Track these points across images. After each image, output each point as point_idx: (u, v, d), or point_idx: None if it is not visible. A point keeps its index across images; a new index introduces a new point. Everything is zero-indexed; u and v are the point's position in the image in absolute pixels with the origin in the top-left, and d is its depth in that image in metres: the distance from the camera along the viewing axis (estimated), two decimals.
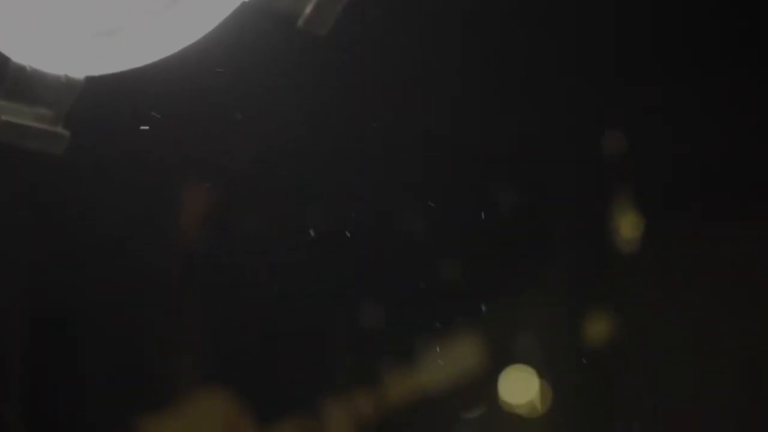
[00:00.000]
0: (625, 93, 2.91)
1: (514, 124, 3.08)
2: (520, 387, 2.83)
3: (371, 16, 2.50)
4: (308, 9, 1.10)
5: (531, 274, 3.02)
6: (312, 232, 2.99)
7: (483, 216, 2.90)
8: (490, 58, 2.94)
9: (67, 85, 1.10)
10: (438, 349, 2.81)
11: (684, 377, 2.77)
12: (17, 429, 2.84)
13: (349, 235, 2.99)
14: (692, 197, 2.84)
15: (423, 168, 2.95)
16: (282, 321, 2.96)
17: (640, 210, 2.83)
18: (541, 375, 2.83)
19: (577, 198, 3.08)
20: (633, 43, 2.85)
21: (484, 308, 2.87)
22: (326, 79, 2.67)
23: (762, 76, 2.79)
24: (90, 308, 2.89)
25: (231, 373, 2.88)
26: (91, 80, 1.12)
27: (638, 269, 2.83)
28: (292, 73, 2.63)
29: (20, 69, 1.09)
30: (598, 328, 2.84)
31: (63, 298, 2.92)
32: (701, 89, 2.82)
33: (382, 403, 2.82)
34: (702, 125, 2.85)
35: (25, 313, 2.90)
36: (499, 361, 2.84)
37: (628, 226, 2.81)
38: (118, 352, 2.89)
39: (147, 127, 2.47)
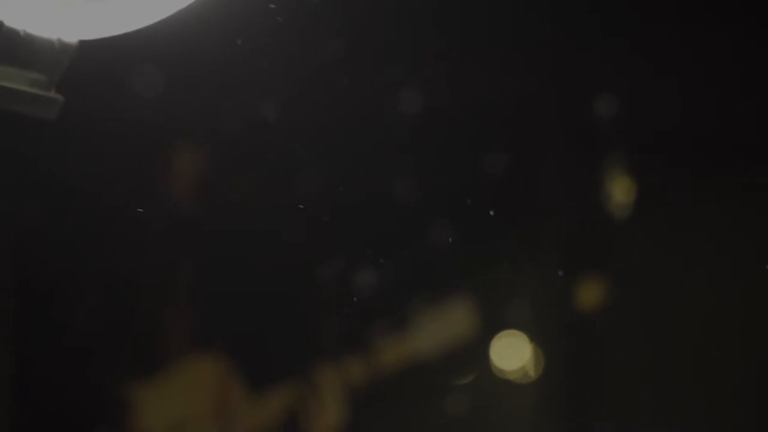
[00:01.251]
0: (613, 53, 2.90)
1: (503, 87, 3.09)
2: (511, 353, 2.83)
3: None
4: None
5: (522, 238, 3.02)
6: (303, 198, 2.99)
7: (472, 181, 2.91)
8: (478, 20, 2.93)
9: (60, 49, 1.09)
10: (429, 316, 2.81)
11: (675, 341, 2.77)
12: (6, 396, 2.84)
13: (339, 201, 2.99)
14: (683, 159, 2.84)
15: (412, 133, 2.95)
16: (273, 287, 2.96)
17: (631, 172, 2.83)
18: (533, 341, 2.83)
19: (567, 161, 3.08)
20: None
21: (474, 274, 2.87)
22: (319, 42, 2.66)
23: (752, 33, 2.78)
24: (80, 274, 2.89)
25: (222, 340, 2.88)
26: (84, 44, 1.11)
27: (629, 233, 2.83)
28: (287, 37, 2.62)
29: (13, 33, 1.08)
30: (589, 293, 2.85)
31: (53, 264, 2.92)
32: (692, 48, 2.82)
33: (373, 369, 2.83)
34: (691, 84, 2.85)
35: (13, 279, 2.90)
36: (491, 327, 2.84)
37: (619, 189, 2.81)
38: (108, 318, 2.89)
39: (140, 92, 2.46)
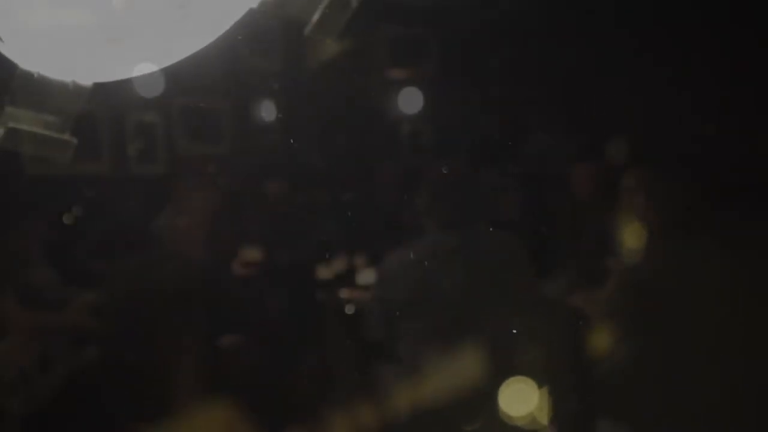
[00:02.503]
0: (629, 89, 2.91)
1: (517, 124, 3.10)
2: (520, 399, 2.81)
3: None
4: (316, 16, 1.10)
5: (534, 286, 3.02)
6: (318, 240, 3.00)
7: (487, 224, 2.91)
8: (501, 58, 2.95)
9: (74, 92, 1.09)
10: (440, 361, 2.80)
11: (686, 385, 2.74)
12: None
13: (354, 242, 3.00)
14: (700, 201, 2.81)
15: (420, 175, 2.95)
16: (285, 331, 2.96)
17: (646, 222, 2.81)
18: (542, 387, 2.81)
19: (578, 212, 3.09)
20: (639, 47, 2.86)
21: (486, 320, 2.86)
22: (332, 83, 2.67)
23: None
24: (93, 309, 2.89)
25: (234, 384, 2.88)
26: (99, 87, 1.11)
27: (642, 279, 2.81)
28: (299, 79, 2.63)
29: (28, 75, 1.08)
30: (600, 340, 2.83)
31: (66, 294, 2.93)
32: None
33: (384, 413, 2.82)
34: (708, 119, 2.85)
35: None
36: (500, 373, 2.82)
37: (630, 236, 2.79)
38: (122, 361, 2.88)
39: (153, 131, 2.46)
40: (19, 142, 1.11)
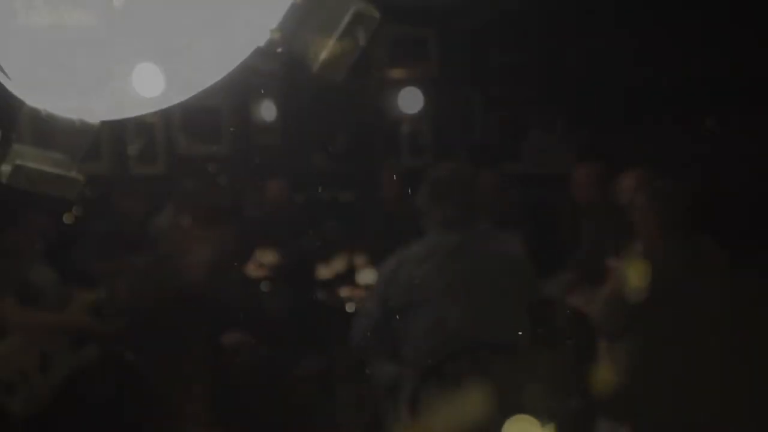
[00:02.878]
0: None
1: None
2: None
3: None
4: (323, 55, 1.09)
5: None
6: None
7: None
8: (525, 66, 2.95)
9: (81, 129, 1.09)
10: (444, 398, 2.77)
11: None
12: None
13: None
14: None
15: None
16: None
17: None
18: (545, 425, 2.79)
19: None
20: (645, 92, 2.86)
21: (489, 357, 2.84)
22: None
23: None
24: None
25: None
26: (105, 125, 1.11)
27: (640, 316, 2.79)
28: (307, 117, 2.63)
29: (35, 113, 1.08)
30: (603, 377, 2.82)
31: None
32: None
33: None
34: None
35: None
36: (504, 411, 2.78)
37: (634, 273, 2.76)
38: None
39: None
40: (27, 179, 1.10)
